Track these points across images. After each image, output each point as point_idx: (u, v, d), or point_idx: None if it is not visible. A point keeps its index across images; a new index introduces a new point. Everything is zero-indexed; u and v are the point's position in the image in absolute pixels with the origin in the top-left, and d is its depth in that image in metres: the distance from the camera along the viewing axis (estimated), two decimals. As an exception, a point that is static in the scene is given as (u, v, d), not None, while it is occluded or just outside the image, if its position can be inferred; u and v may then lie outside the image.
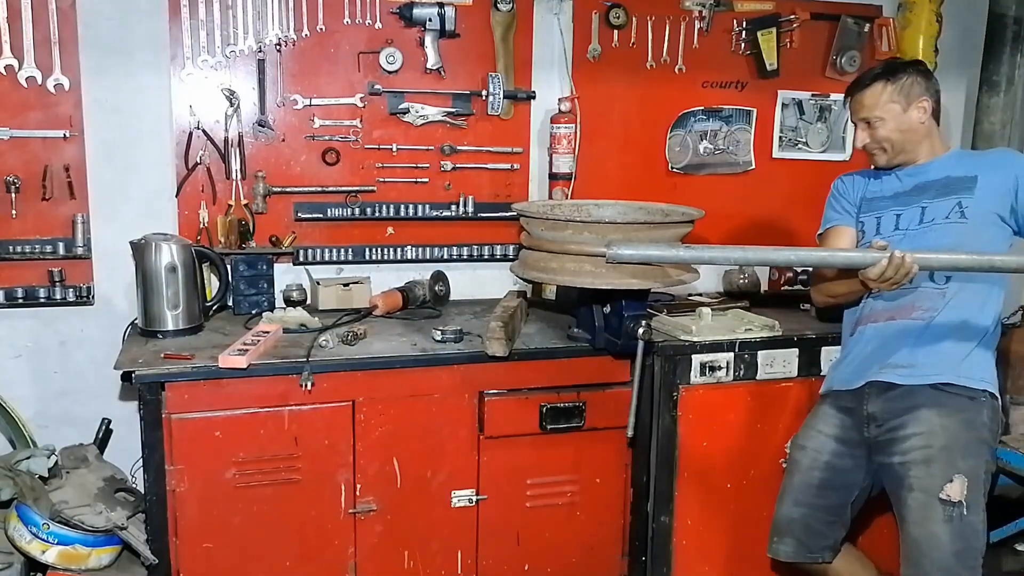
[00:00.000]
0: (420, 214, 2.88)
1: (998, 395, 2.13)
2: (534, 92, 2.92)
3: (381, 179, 2.83)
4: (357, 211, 2.82)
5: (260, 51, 2.66)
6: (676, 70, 3.04)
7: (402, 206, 2.86)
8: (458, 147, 2.87)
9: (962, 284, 2.12)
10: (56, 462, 2.39)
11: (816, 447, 2.24)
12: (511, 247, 2.96)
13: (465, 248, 2.95)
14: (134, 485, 2.50)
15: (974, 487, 1.99)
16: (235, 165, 2.69)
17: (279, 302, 2.73)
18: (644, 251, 2.02)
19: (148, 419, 2.12)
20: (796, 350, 2.57)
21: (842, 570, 2.30)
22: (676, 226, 2.25)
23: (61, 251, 2.59)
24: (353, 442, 2.27)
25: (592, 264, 2.15)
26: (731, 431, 2.55)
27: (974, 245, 2.03)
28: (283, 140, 2.74)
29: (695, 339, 2.48)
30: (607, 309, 2.33)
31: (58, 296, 2.61)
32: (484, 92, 2.83)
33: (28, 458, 2.35)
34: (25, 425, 2.60)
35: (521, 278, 2.38)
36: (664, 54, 3.01)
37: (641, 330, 2.20)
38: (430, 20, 2.73)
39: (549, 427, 2.40)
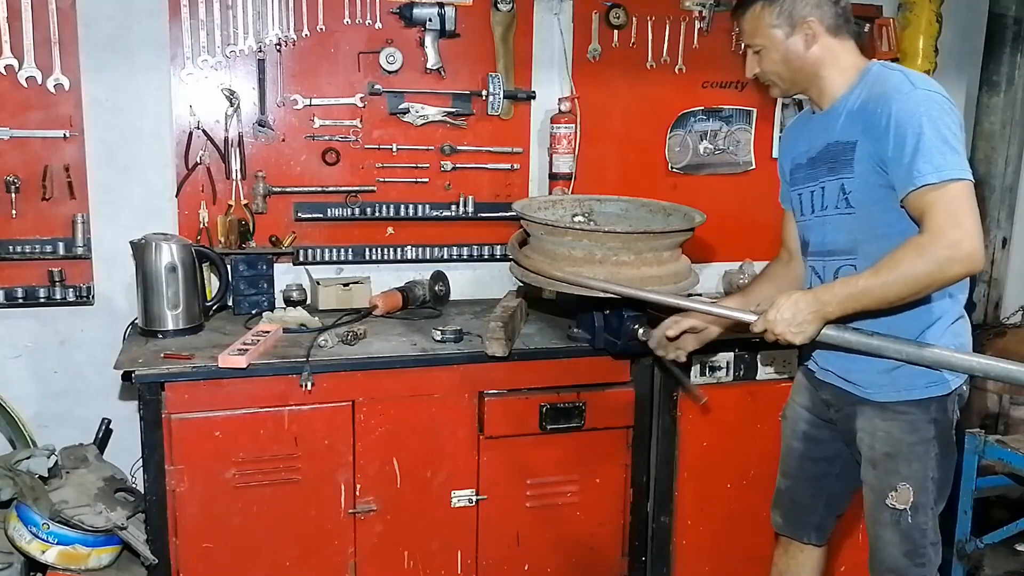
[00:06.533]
0: (420, 214, 2.87)
1: (958, 378, 1.81)
2: (534, 92, 2.91)
3: (381, 179, 2.82)
4: (357, 211, 2.81)
5: (260, 51, 2.66)
6: (676, 70, 3.03)
7: (402, 206, 2.86)
8: (458, 147, 2.87)
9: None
10: (56, 462, 2.38)
11: (793, 416, 2.11)
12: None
13: (465, 248, 2.95)
14: (134, 485, 2.50)
15: (921, 490, 1.83)
16: (235, 165, 2.69)
17: (279, 302, 2.73)
18: (845, 335, 1.76)
19: (148, 419, 2.12)
20: (796, 350, 2.55)
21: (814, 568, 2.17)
22: (677, 234, 2.25)
23: (61, 251, 2.59)
24: (353, 442, 2.27)
25: (590, 270, 2.14)
26: (731, 431, 2.55)
27: (870, 244, 1.75)
28: (283, 140, 2.74)
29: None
30: (607, 310, 2.33)
31: (58, 296, 2.61)
32: (484, 92, 2.83)
33: (28, 458, 2.35)
34: (25, 425, 2.60)
35: (520, 280, 2.38)
36: (664, 54, 3.01)
37: (641, 331, 2.20)
38: (430, 20, 2.72)
39: (549, 427, 2.40)
